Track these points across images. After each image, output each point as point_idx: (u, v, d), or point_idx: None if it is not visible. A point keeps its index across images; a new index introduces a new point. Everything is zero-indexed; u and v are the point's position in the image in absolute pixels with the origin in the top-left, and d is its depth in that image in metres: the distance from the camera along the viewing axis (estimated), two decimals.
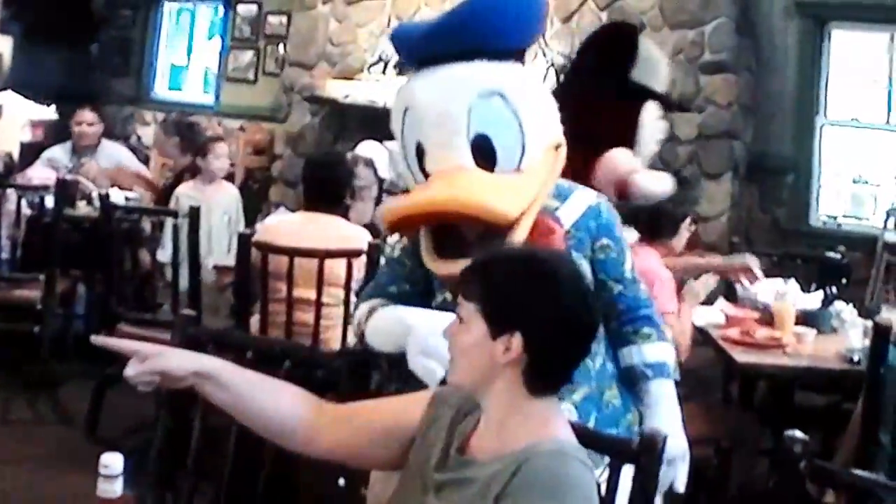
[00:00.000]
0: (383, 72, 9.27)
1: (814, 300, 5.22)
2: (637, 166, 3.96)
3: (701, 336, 4.79)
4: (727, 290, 5.43)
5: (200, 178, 6.49)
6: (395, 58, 9.18)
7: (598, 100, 3.98)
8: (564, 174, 3.06)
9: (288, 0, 10.51)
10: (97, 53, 11.84)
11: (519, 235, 2.79)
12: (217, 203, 6.37)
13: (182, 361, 2.38)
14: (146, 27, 11.87)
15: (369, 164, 6.10)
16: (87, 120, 7.75)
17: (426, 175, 2.93)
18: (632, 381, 3.03)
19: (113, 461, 2.25)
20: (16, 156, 8.15)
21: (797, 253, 6.52)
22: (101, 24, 11.85)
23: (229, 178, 6.95)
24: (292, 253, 4.70)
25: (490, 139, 2.86)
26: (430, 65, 2.95)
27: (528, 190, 2.86)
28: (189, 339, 3.00)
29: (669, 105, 4.35)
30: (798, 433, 2.43)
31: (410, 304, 3.04)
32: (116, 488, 2.23)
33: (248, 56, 11.02)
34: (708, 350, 4.79)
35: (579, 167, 3.45)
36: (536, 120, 2.92)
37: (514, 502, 2.03)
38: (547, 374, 2.16)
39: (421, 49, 3.02)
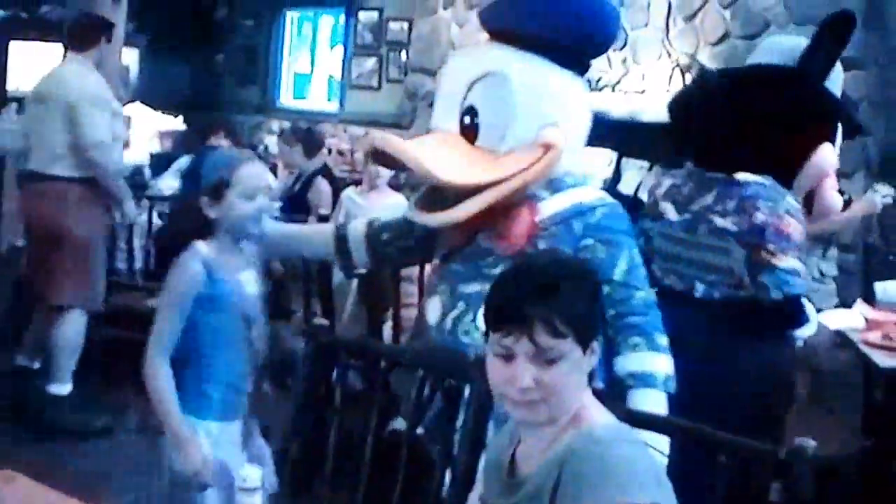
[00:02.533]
0: None
1: None
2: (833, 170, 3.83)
3: (840, 339, 4.66)
4: (866, 293, 5.28)
5: (365, 184, 6.51)
6: None
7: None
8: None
9: (409, 6, 10.54)
10: (222, 63, 12.01)
11: (469, 205, 2.97)
12: (378, 211, 6.32)
13: None
14: (269, 36, 12.02)
15: None
16: (221, 144, 7.86)
17: None
18: (620, 395, 2.96)
19: (252, 474, 2.25)
20: (147, 167, 8.27)
21: None
22: (225, 33, 12.02)
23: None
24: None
25: (477, 113, 3.04)
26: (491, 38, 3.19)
27: (491, 170, 3.00)
28: (320, 347, 3.00)
29: (850, 129, 4.00)
30: None
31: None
32: (256, 501, 2.23)
33: (370, 63, 11.08)
34: (848, 354, 4.66)
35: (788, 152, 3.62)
36: (531, 113, 3.04)
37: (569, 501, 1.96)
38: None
39: (485, 23, 3.23)
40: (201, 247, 3.06)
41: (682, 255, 3.57)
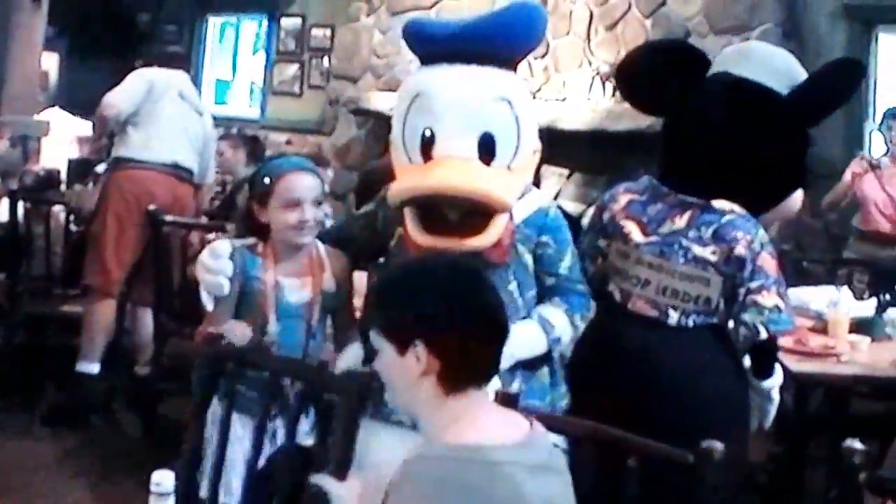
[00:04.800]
0: None
1: (867, 307, 5.14)
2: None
3: None
4: None
5: None
6: None
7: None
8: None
9: (332, 13, 10.53)
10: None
11: (498, 225, 3.10)
12: None
13: None
14: (191, 42, 11.94)
15: None
16: None
17: (427, 159, 3.20)
18: None
19: (164, 479, 2.24)
20: (63, 172, 8.17)
21: (849, 259, 6.42)
22: (147, 39, 11.92)
23: None
24: None
25: (494, 138, 3.16)
26: (446, 62, 3.24)
27: (517, 186, 3.23)
28: (210, 356, 3.00)
29: None
30: (857, 443, 2.39)
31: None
32: None
33: (292, 69, 11.06)
34: None
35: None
36: (529, 127, 3.26)
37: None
38: (462, 371, 2.15)
39: (443, 45, 3.28)
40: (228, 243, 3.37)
41: (652, 279, 3.42)
